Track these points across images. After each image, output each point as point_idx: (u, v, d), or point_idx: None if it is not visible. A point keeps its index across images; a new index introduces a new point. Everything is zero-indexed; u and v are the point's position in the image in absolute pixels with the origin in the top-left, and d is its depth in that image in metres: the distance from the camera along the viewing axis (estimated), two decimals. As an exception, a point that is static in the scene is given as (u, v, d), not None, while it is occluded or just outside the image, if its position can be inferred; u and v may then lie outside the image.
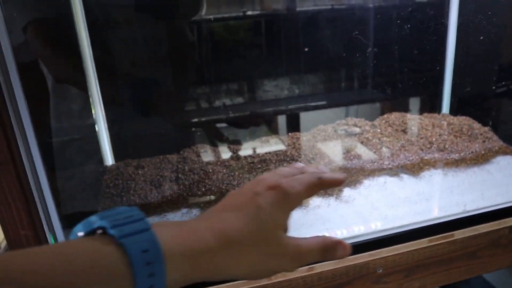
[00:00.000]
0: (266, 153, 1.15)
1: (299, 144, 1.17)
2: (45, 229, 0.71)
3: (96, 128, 1.19)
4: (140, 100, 1.28)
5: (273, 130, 1.69)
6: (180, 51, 1.38)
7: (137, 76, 1.28)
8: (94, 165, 1.19)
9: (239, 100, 1.60)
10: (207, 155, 1.20)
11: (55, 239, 0.72)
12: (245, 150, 1.43)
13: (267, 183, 0.47)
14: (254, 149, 1.64)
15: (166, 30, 1.29)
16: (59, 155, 1.10)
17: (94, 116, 1.19)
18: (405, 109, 1.55)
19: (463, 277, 0.93)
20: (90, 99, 1.17)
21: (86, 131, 1.25)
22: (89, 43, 1.09)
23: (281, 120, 1.71)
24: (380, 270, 0.86)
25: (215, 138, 1.37)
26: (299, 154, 1.12)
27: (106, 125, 1.19)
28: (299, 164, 0.54)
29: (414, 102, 1.55)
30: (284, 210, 0.47)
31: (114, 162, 1.22)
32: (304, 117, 1.62)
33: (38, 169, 0.69)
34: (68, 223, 0.85)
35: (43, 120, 1.08)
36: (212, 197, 1.02)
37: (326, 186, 0.51)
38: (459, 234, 0.88)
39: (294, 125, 1.64)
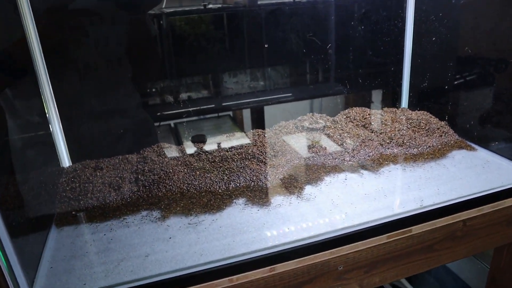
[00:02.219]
0: (227, 150, 1.13)
1: (260, 142, 1.16)
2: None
3: (50, 128, 1.14)
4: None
5: (239, 123, 1.68)
6: (142, 45, 1.34)
7: (94, 73, 1.24)
8: (49, 167, 1.14)
9: (202, 94, 1.57)
10: (169, 153, 1.17)
11: (3, 250, 0.68)
12: (210, 144, 1.42)
13: None
14: (218, 144, 1.63)
15: (127, 22, 1.25)
16: (9, 158, 1.05)
17: (47, 115, 1.14)
18: (366, 103, 1.57)
19: (421, 269, 0.96)
20: (42, 97, 1.12)
21: (39, 131, 1.20)
22: (37, 36, 1.04)
23: (246, 113, 1.70)
24: (341, 267, 0.87)
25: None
26: (260, 151, 1.12)
27: (60, 124, 1.14)
28: None
29: (375, 97, 1.57)
30: None
31: (71, 163, 1.17)
32: (268, 111, 1.61)
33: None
34: (20, 232, 0.82)
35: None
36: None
37: None
38: (417, 229, 0.91)
39: (259, 119, 1.64)
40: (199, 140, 1.59)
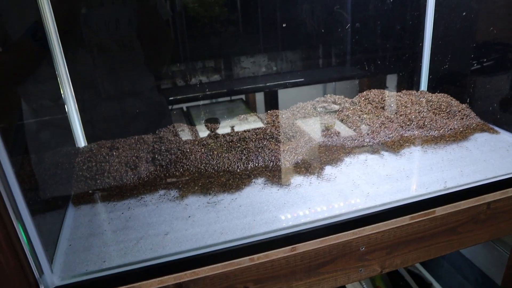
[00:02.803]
0: (245, 131, 1.12)
1: (278, 122, 1.14)
2: (12, 218, 0.66)
3: (66, 109, 1.13)
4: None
5: (252, 107, 1.66)
6: (155, 29, 1.32)
7: (108, 55, 1.22)
8: (65, 147, 1.13)
9: (216, 77, 1.55)
10: (184, 134, 1.16)
11: (24, 228, 0.67)
12: (223, 128, 1.40)
13: None
14: (232, 127, 1.62)
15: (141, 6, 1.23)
16: (24, 140, 1.04)
17: (63, 96, 1.13)
18: (384, 86, 1.54)
19: (443, 252, 0.94)
20: (58, 78, 1.10)
21: (55, 113, 1.19)
22: (53, 18, 1.02)
23: (259, 97, 1.68)
24: (363, 248, 0.85)
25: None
26: (279, 132, 1.10)
27: (76, 106, 1.13)
28: None
29: (393, 79, 1.54)
30: None
31: (86, 144, 1.16)
32: (283, 94, 1.59)
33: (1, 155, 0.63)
34: (39, 209, 0.81)
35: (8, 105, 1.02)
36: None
37: None
38: (440, 210, 0.89)
39: (272, 103, 1.61)
40: (212, 123, 1.58)
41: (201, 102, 1.53)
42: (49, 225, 0.86)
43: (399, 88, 1.46)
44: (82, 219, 0.88)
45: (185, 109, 1.57)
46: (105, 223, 0.86)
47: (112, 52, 1.23)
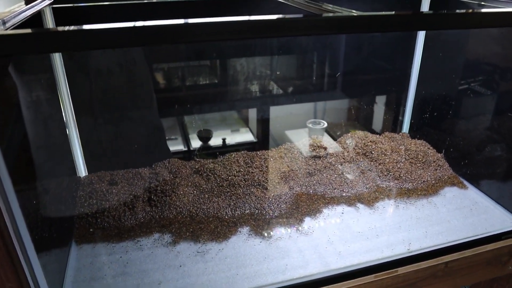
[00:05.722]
0: (234, 175, 1.21)
1: (267, 167, 1.23)
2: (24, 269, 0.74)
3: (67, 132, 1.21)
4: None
5: (244, 118, 1.75)
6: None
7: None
8: (66, 177, 1.22)
9: (209, 107, 1.62)
10: (178, 171, 1.25)
11: (33, 275, 0.75)
12: (216, 138, 1.50)
13: None
14: (224, 140, 1.72)
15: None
16: (28, 167, 1.12)
17: (65, 121, 1.20)
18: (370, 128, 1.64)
19: (403, 302, 1.07)
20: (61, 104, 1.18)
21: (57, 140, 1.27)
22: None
23: (252, 114, 1.77)
24: (331, 301, 0.97)
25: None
26: (266, 179, 1.19)
27: (77, 132, 1.21)
28: None
29: (379, 116, 1.63)
30: None
31: (87, 172, 1.26)
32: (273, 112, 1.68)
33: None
34: (45, 247, 0.90)
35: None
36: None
37: None
38: (402, 270, 1.00)
39: (263, 121, 1.69)
40: (205, 135, 1.67)
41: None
42: (55, 264, 0.96)
43: (383, 127, 1.56)
44: (84, 260, 0.98)
45: (179, 119, 1.66)
46: (105, 267, 0.96)
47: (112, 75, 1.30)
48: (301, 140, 1.40)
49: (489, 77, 1.28)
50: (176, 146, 1.62)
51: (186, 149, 1.64)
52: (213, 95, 1.62)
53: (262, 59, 1.56)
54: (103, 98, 1.32)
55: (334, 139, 1.46)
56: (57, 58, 1.15)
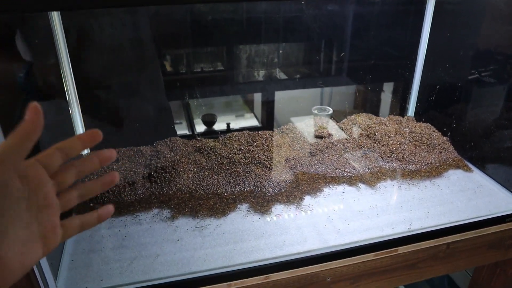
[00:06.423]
0: (235, 153, 1.20)
1: (267, 146, 1.22)
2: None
3: (70, 111, 1.21)
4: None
5: (249, 103, 1.74)
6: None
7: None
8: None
9: (214, 91, 1.62)
10: (179, 149, 1.25)
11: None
12: (220, 123, 1.50)
13: None
14: (228, 124, 1.71)
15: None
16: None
17: (67, 98, 1.21)
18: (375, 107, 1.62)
19: (403, 283, 1.06)
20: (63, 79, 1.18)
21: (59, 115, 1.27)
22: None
23: (257, 98, 1.76)
24: (329, 279, 0.96)
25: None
26: (266, 157, 1.19)
27: (79, 109, 1.21)
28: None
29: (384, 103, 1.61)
30: None
31: (88, 151, 1.26)
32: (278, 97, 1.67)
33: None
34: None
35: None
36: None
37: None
38: (403, 249, 0.99)
39: (268, 104, 1.68)
40: (209, 119, 1.67)
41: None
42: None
43: (390, 109, 1.54)
44: (84, 233, 0.98)
45: (184, 102, 1.66)
46: (104, 240, 0.97)
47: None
48: (304, 121, 1.39)
49: (497, 61, 1.25)
50: (180, 130, 1.62)
51: (190, 133, 1.64)
52: (219, 79, 1.61)
53: (268, 46, 1.55)
54: (110, 76, 1.33)
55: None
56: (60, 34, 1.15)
